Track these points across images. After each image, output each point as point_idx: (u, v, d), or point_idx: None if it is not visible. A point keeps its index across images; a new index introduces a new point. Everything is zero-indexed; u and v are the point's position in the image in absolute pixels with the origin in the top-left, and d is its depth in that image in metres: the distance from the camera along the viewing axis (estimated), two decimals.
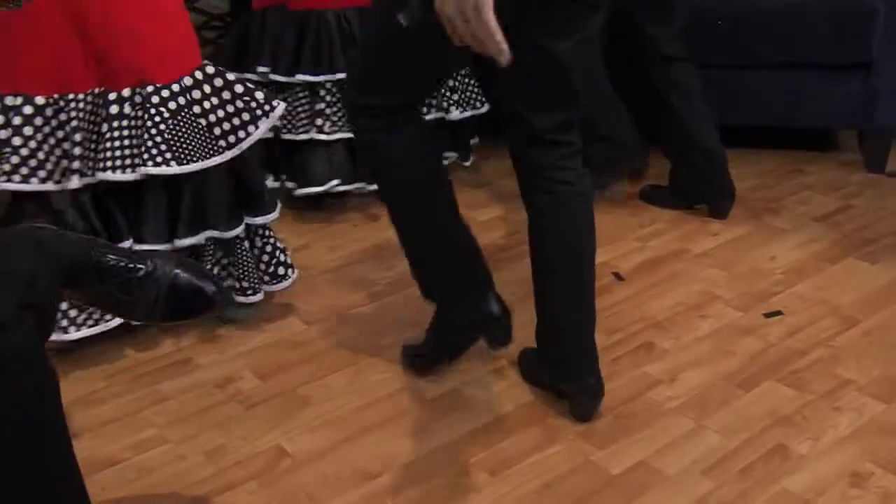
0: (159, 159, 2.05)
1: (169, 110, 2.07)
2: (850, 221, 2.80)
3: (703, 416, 1.94)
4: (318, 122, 2.84)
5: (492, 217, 2.95)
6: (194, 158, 2.09)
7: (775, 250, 2.64)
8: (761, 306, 2.35)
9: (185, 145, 2.08)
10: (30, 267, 1.31)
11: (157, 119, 2.06)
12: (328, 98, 2.84)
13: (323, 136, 2.85)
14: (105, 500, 1.77)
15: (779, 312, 2.31)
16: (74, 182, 2.04)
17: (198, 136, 2.11)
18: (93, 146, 2.07)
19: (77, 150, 2.03)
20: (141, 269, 1.48)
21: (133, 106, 2.05)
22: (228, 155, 2.13)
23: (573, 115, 1.79)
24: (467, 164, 3.21)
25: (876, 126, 3.04)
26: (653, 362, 2.14)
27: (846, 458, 1.79)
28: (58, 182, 2.04)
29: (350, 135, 2.86)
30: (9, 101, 2.00)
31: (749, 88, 3.10)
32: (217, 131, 2.12)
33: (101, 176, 2.04)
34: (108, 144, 2.04)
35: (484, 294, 1.96)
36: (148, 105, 2.05)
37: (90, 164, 2.07)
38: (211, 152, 2.12)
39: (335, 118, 2.86)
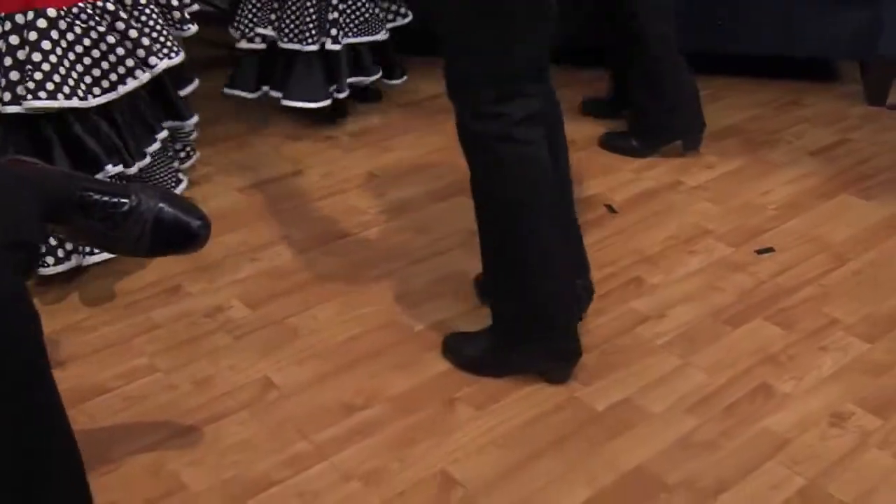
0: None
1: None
2: (847, 156, 2.76)
3: (689, 353, 1.94)
4: (333, 31, 2.80)
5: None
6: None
7: (770, 185, 2.61)
8: (753, 242, 2.33)
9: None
10: (11, 203, 1.29)
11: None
12: (341, 7, 2.80)
13: (336, 46, 2.81)
14: (93, 428, 1.78)
15: (770, 249, 2.29)
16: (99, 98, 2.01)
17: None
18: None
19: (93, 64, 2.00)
20: (125, 203, 1.45)
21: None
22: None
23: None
24: (398, 81, 3.08)
25: (879, 57, 2.98)
26: (641, 297, 2.13)
27: (828, 398, 1.80)
28: (82, 98, 1.99)
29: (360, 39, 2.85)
30: (19, 18, 1.93)
31: (746, 14, 3.01)
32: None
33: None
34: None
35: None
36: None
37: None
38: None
39: (350, 26, 2.85)
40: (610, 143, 2.82)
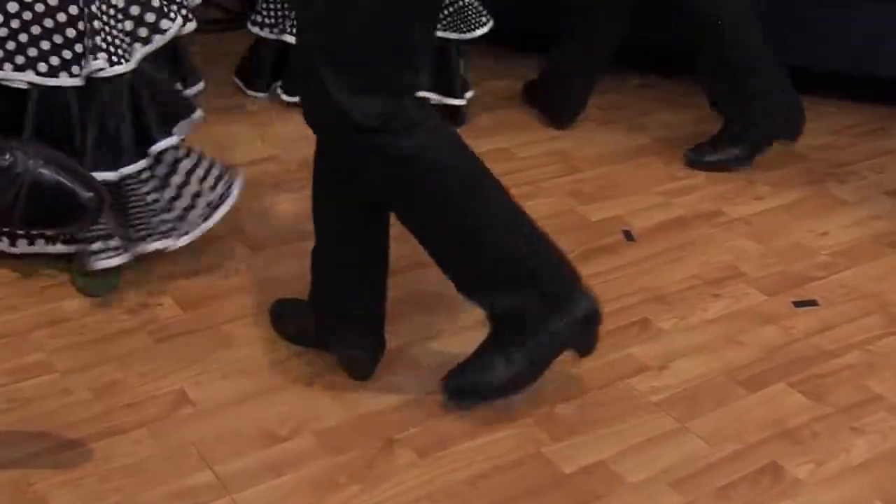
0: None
1: None
2: None
3: (689, 415, 1.83)
4: None
5: (496, 147, 2.82)
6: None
7: (828, 225, 2.48)
8: (793, 292, 2.21)
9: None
10: None
11: None
12: None
13: None
14: None
15: (813, 302, 2.17)
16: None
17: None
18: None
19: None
20: None
21: None
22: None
23: None
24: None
25: None
26: (644, 343, 2.02)
27: (851, 492, 1.67)
28: None
29: None
30: None
31: (827, 27, 2.93)
32: None
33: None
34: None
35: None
36: None
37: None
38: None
39: None
40: (700, 159, 2.73)
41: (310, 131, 2.90)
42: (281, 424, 1.78)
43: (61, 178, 1.41)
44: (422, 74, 1.72)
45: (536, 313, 1.76)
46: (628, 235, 2.40)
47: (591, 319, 1.80)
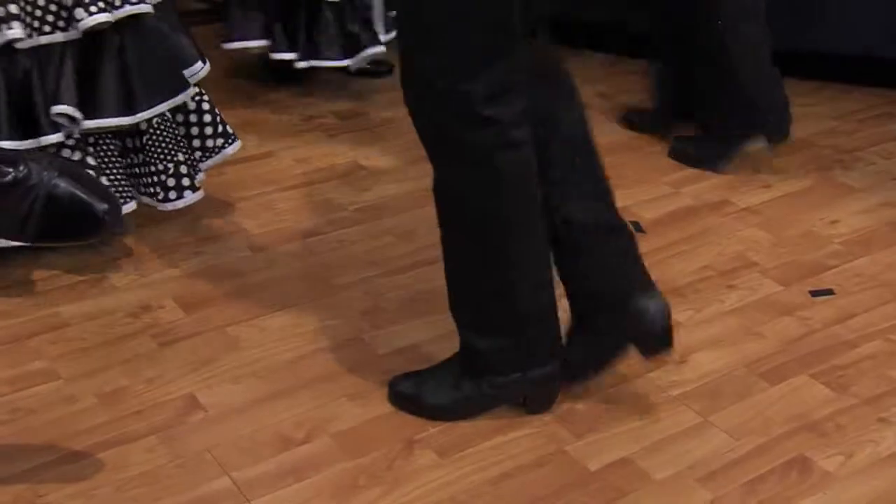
0: None
1: None
2: None
3: (711, 409, 1.85)
4: None
5: None
6: None
7: (838, 213, 2.51)
8: (808, 281, 2.24)
9: None
10: None
11: None
12: None
13: None
14: None
15: (829, 291, 2.20)
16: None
17: None
18: None
19: None
20: (9, 173, 1.39)
21: None
22: None
23: None
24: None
25: None
26: None
27: (882, 484, 1.70)
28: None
29: None
30: None
31: (831, 7, 2.95)
32: None
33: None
34: None
35: None
36: None
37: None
38: None
39: None
40: (682, 150, 2.76)
41: (303, 126, 2.94)
42: (297, 427, 1.79)
43: (77, 191, 1.41)
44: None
45: (501, 363, 1.77)
46: (637, 227, 2.42)
47: (550, 383, 1.81)
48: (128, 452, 1.72)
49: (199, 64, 2.21)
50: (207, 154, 2.32)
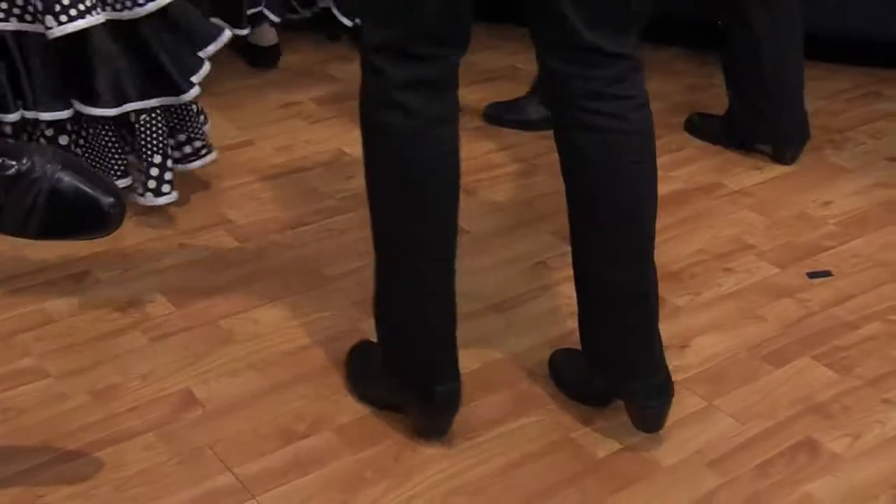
0: None
1: None
2: None
3: (716, 394, 1.90)
4: None
5: None
6: None
7: (831, 194, 2.57)
8: (805, 263, 2.29)
9: None
10: None
11: None
12: None
13: None
14: None
15: (827, 273, 2.25)
16: None
17: None
18: None
19: None
20: (12, 165, 1.39)
21: None
22: None
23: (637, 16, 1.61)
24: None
25: None
26: (662, 322, 2.01)
27: (891, 464, 1.75)
28: None
29: None
30: None
31: None
32: None
33: None
34: None
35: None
36: None
37: None
38: None
39: None
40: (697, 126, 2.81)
41: (282, 113, 2.95)
42: (298, 421, 1.81)
43: (81, 185, 1.40)
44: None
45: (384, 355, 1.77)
46: None
47: (435, 404, 1.73)
48: (125, 450, 1.73)
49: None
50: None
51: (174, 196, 2.30)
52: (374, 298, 1.77)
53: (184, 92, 2.23)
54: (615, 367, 1.74)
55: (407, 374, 1.73)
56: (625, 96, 1.62)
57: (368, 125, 1.65)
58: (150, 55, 2.18)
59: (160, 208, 2.35)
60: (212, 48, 2.26)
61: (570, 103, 1.62)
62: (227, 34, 2.30)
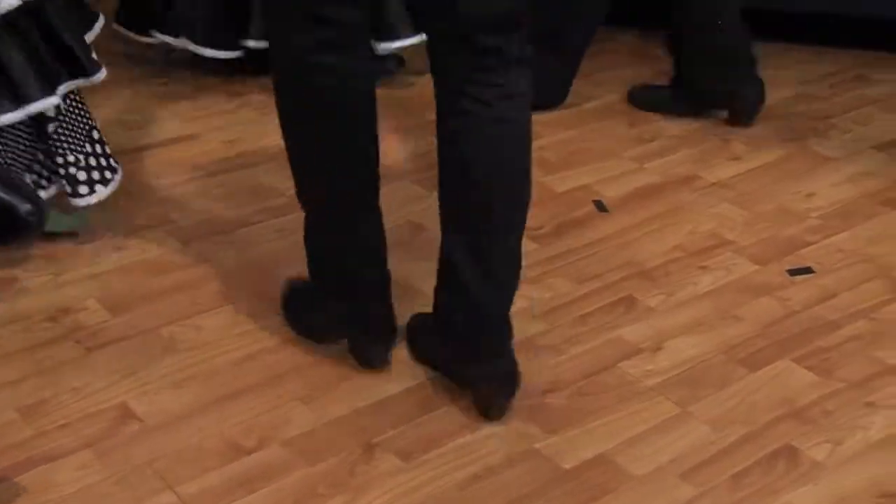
0: None
1: None
2: None
3: (690, 399, 1.93)
4: None
5: None
6: None
7: (815, 185, 2.61)
8: (786, 259, 2.32)
9: None
10: None
11: None
12: None
13: None
14: None
15: (809, 269, 2.29)
16: None
17: None
18: None
19: None
20: None
21: None
22: None
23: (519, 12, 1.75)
24: None
25: None
26: (633, 324, 2.12)
27: (875, 471, 1.78)
28: None
29: None
30: None
31: None
32: None
33: None
34: None
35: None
36: None
37: None
38: None
39: None
40: (641, 97, 2.90)
41: (230, 104, 2.96)
42: (246, 434, 1.82)
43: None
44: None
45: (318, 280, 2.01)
46: (600, 206, 2.49)
47: (373, 328, 1.99)
48: (57, 470, 1.74)
49: None
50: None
51: (106, 192, 2.29)
52: (305, 234, 1.99)
53: (92, 74, 2.21)
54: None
55: (340, 299, 1.95)
56: (493, 84, 1.77)
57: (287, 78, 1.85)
58: (58, 37, 2.15)
59: (94, 207, 2.35)
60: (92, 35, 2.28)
61: (446, 87, 1.80)
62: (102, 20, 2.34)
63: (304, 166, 1.91)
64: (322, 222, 1.95)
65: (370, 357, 1.98)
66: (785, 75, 3.10)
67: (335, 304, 1.96)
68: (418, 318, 2.03)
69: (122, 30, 2.98)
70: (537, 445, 1.82)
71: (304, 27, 1.76)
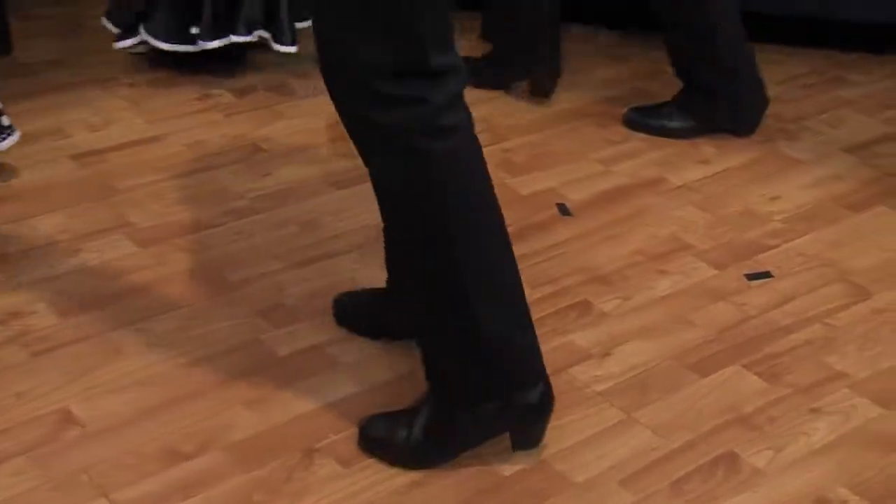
0: None
1: None
2: (894, 155, 2.77)
3: (637, 406, 1.93)
4: None
5: None
6: None
7: (781, 188, 2.61)
8: (746, 264, 2.33)
9: None
10: None
11: None
12: None
13: None
14: None
15: (767, 274, 2.29)
16: None
17: None
18: None
19: None
20: None
21: None
22: None
23: None
24: (290, 49, 3.03)
25: None
26: (585, 329, 2.12)
27: (814, 478, 1.79)
28: None
29: None
30: None
31: None
32: None
33: None
34: None
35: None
36: None
37: None
38: None
39: None
40: (638, 120, 2.85)
41: (196, 105, 2.97)
42: (186, 440, 1.83)
43: None
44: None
45: (474, 386, 1.76)
46: (563, 209, 2.50)
47: (539, 410, 1.79)
48: None
49: None
50: None
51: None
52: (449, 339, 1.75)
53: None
54: None
55: (498, 391, 1.75)
56: None
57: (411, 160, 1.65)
58: None
59: (51, 209, 2.37)
60: None
61: None
62: None
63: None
64: None
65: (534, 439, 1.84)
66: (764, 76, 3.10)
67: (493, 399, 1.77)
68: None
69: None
70: (481, 451, 1.82)
71: None
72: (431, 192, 1.65)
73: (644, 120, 2.84)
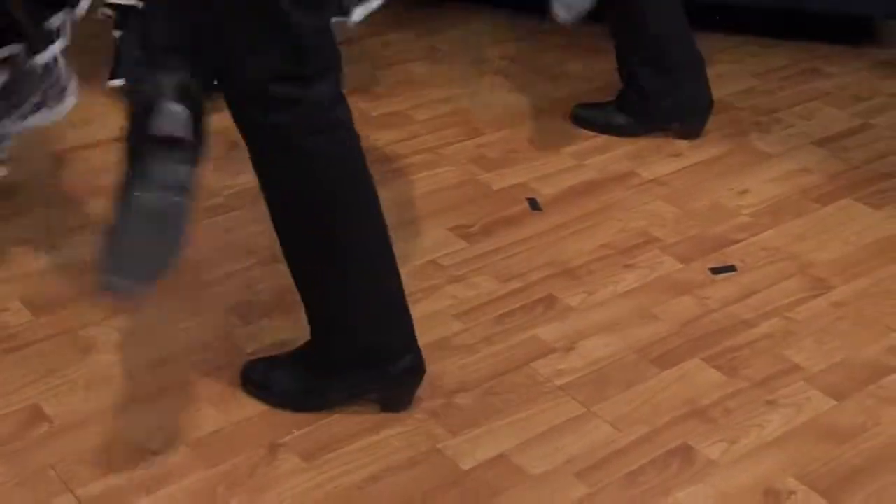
0: None
1: None
2: (863, 147, 2.80)
3: (596, 399, 1.97)
4: None
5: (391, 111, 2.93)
6: None
7: (750, 181, 2.64)
8: (711, 257, 2.36)
9: None
10: None
11: None
12: None
13: None
14: None
15: (731, 268, 2.33)
16: None
17: None
18: None
19: None
20: None
21: None
22: None
23: None
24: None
25: None
26: (550, 323, 2.16)
27: (765, 469, 1.83)
28: None
29: None
30: None
31: None
32: None
33: None
34: None
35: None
36: None
37: None
38: None
39: None
40: (584, 116, 2.86)
41: None
42: (152, 437, 1.87)
43: None
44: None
45: (348, 357, 1.90)
46: (534, 204, 2.53)
47: (409, 381, 1.94)
48: None
49: None
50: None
51: None
52: (313, 300, 1.90)
53: None
54: None
55: (365, 358, 1.90)
56: None
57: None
58: None
59: (30, 207, 2.40)
60: None
61: None
62: None
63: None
64: None
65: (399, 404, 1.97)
66: (735, 70, 3.13)
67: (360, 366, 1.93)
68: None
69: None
70: (440, 446, 1.87)
71: None
72: (311, 186, 1.79)
73: (589, 116, 2.87)
